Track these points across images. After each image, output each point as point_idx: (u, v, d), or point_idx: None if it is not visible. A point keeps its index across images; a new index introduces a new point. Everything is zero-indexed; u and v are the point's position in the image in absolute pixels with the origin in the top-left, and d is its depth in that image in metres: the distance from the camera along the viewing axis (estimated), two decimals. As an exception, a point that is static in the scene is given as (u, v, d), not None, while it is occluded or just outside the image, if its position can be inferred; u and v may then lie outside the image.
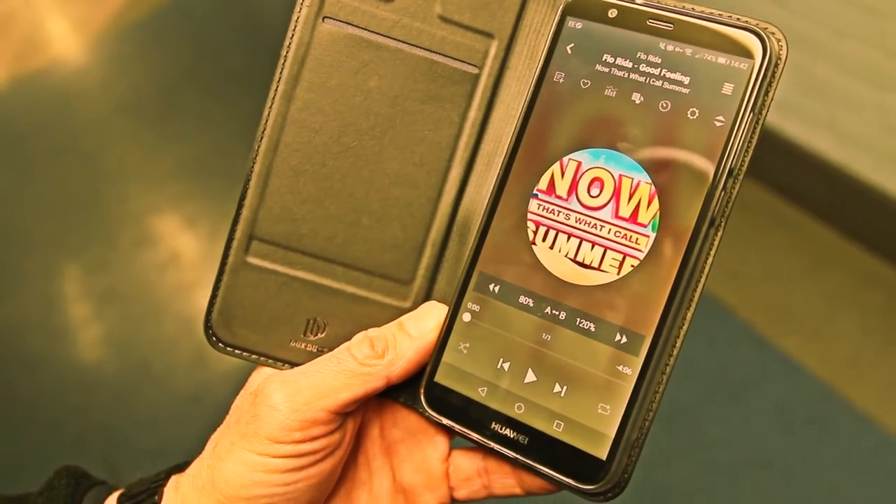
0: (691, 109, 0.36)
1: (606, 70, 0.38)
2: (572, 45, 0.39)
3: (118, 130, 3.24)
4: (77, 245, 2.75)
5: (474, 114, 0.41)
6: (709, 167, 0.36)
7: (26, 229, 2.88)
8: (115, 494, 0.46)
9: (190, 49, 3.58)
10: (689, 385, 1.81)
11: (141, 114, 3.31)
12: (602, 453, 0.37)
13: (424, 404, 0.41)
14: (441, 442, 0.45)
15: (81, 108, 3.51)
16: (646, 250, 0.37)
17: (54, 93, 3.68)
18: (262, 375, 0.42)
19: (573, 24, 0.39)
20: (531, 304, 0.39)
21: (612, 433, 0.37)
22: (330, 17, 0.41)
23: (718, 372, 1.83)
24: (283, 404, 0.39)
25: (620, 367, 0.37)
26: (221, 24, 3.57)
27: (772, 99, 0.37)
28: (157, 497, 0.44)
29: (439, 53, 0.41)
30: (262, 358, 0.43)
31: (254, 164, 0.41)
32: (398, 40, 0.41)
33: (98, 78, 3.72)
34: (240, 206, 0.42)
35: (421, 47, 0.41)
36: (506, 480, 0.42)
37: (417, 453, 0.45)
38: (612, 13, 0.38)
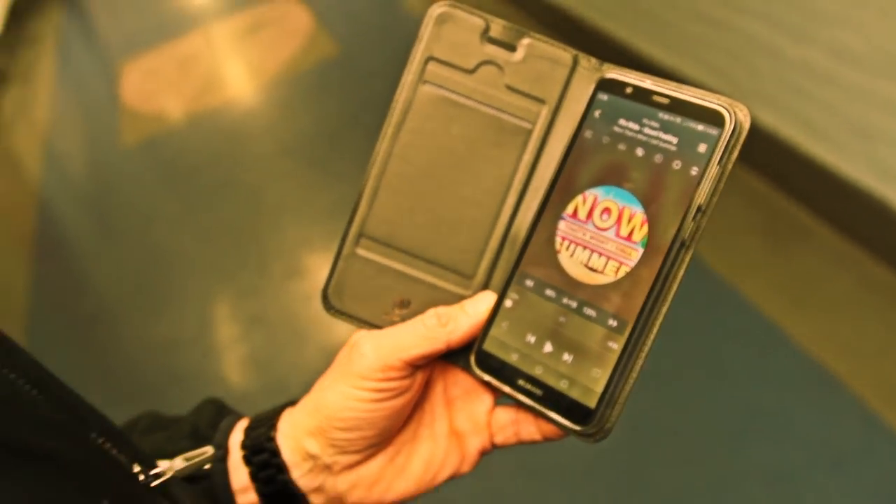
0: (676, 162, 0.51)
1: (621, 131, 0.53)
2: (599, 111, 0.55)
3: (281, 169, 3.51)
4: (233, 271, 3.00)
5: (527, 157, 0.57)
6: (683, 204, 0.50)
7: (189, 252, 3.15)
8: (245, 420, 0.64)
9: (354, 98, 3.84)
10: (793, 450, 1.89)
11: (303, 155, 3.57)
12: (592, 404, 0.51)
13: (473, 364, 0.56)
14: (487, 399, 0.60)
15: (249, 146, 3.81)
16: (636, 261, 0.51)
17: (226, 130, 4.01)
18: (358, 336, 0.59)
19: (602, 96, 0.55)
20: (553, 296, 0.54)
21: (601, 390, 0.51)
22: (428, 82, 0.57)
23: (823, 441, 1.90)
24: (370, 353, 0.55)
25: (610, 344, 0.51)
26: (385, 77, 3.82)
27: (736, 156, 0.51)
28: (276, 420, 0.61)
29: (504, 112, 0.57)
30: (360, 322, 0.59)
31: (366, 182, 0.58)
32: (476, 101, 0.57)
33: (267, 119, 4.03)
34: (354, 212, 0.59)
35: (491, 107, 0.57)
36: (529, 428, 0.57)
37: (469, 406, 0.60)
38: (629, 90, 0.54)
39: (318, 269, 2.97)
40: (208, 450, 0.62)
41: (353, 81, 4.05)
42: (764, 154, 2.42)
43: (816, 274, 2.29)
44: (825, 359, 2.06)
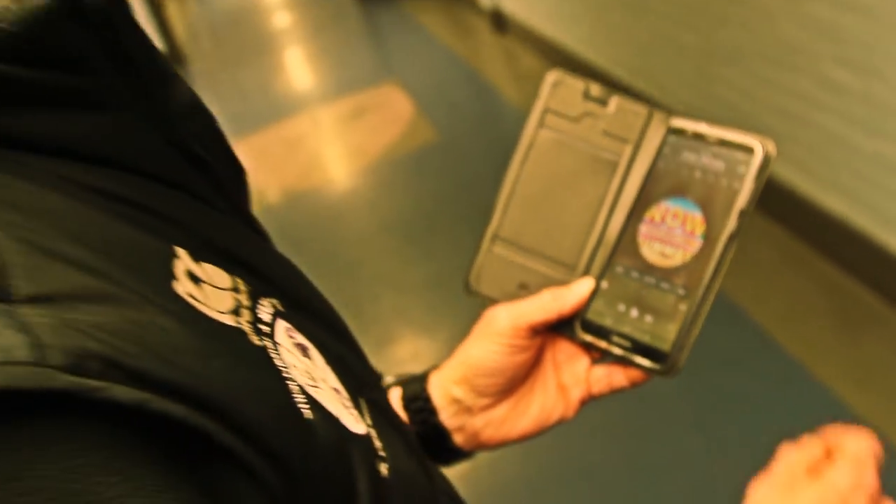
0: (723, 180, 0.73)
1: (684, 160, 0.76)
2: (669, 147, 0.77)
3: (379, 245, 3.77)
4: (332, 335, 3.22)
5: (616, 181, 0.79)
6: (730, 209, 0.72)
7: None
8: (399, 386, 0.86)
9: (450, 182, 4.10)
10: None
11: (401, 233, 3.83)
12: (667, 349, 0.73)
13: (579, 329, 0.78)
14: (586, 360, 0.81)
15: (351, 222, 4.09)
16: (697, 249, 0.73)
17: (329, 207, 4.30)
18: (493, 309, 0.81)
19: (671, 137, 0.77)
20: (637, 277, 0.76)
21: (673, 338, 0.72)
22: (545, 127, 0.81)
23: None
24: (504, 318, 0.78)
25: (679, 307, 0.73)
26: (481, 161, 4.08)
27: (766, 176, 0.72)
28: (427, 376, 0.83)
29: (599, 149, 0.79)
30: (492, 301, 0.81)
31: (499, 200, 0.81)
32: (579, 141, 0.80)
33: (368, 199, 4.32)
34: (490, 221, 0.81)
35: (590, 145, 0.80)
36: (619, 376, 0.78)
37: (572, 367, 0.82)
38: (689, 132, 0.76)
39: (411, 336, 3.19)
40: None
41: (450, 166, 4.32)
42: (837, 241, 2.61)
43: (885, 358, 2.45)
44: (891, 437, 2.21)
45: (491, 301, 0.82)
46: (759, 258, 2.85)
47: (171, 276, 0.41)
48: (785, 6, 2.54)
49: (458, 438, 0.82)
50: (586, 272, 0.80)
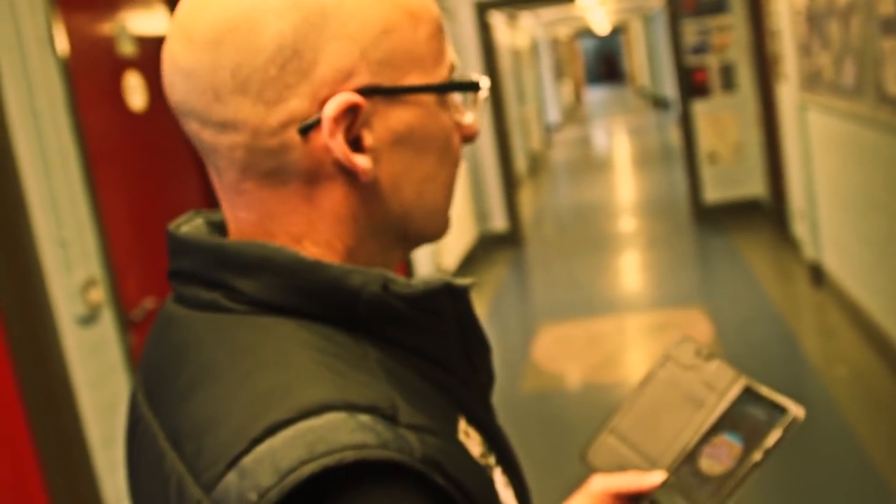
0: (762, 424, 1.07)
1: (745, 409, 1.12)
2: (739, 400, 1.13)
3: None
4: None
5: (701, 415, 1.14)
6: (760, 444, 1.07)
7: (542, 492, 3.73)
8: None
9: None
10: None
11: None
12: None
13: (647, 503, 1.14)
14: None
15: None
16: (735, 466, 1.08)
17: (609, 404, 4.68)
18: (595, 478, 1.18)
19: (743, 394, 1.12)
20: (691, 477, 1.12)
21: None
22: (664, 368, 1.18)
23: None
24: (600, 485, 1.13)
25: (716, 498, 1.08)
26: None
27: (793, 430, 1.06)
28: None
29: (696, 390, 1.15)
30: (596, 471, 1.19)
31: (621, 408, 1.18)
32: (685, 383, 1.17)
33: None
34: (611, 418, 1.19)
35: (691, 387, 1.15)
36: None
37: None
38: (755, 393, 1.12)
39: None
40: None
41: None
42: None
43: None
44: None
45: (596, 470, 1.19)
46: None
47: (456, 429, 0.73)
48: None
49: None
50: (665, 468, 1.16)
